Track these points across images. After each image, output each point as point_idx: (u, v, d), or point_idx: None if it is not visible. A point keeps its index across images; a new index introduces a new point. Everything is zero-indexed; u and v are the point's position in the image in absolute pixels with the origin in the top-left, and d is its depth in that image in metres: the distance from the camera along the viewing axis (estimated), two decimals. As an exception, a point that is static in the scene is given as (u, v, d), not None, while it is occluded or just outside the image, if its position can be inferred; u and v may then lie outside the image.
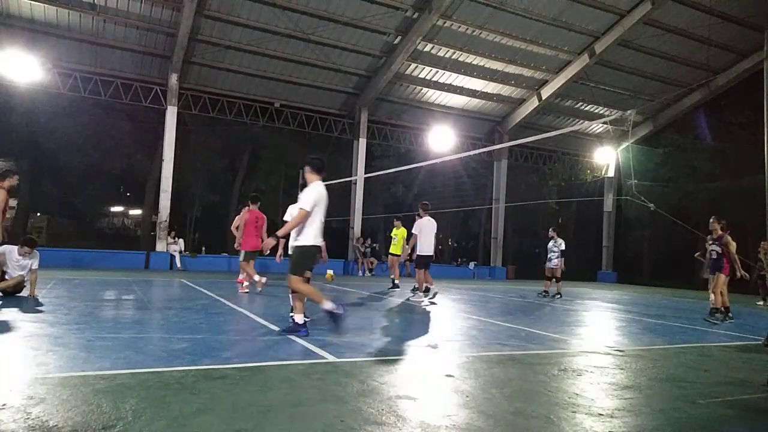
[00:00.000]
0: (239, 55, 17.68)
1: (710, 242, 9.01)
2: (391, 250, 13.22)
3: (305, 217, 5.38)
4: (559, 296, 12.57)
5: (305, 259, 5.50)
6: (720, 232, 8.91)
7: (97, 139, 23.98)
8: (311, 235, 5.45)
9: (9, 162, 25.51)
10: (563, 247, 12.73)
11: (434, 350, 5.27)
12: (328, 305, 5.31)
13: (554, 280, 12.71)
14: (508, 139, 21.64)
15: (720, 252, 8.84)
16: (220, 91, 18.90)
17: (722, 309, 8.93)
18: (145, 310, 7.22)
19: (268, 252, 8.01)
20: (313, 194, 5.44)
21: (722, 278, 8.88)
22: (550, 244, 12.90)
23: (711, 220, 9.13)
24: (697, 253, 14.71)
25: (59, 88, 16.81)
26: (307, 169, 5.75)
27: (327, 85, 19.61)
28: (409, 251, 10.81)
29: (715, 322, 8.68)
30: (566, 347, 5.92)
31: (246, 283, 10.02)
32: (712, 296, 9.22)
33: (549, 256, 12.83)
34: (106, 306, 7.56)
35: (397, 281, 12.53)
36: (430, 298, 10.03)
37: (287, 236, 5.79)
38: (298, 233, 5.45)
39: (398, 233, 13.04)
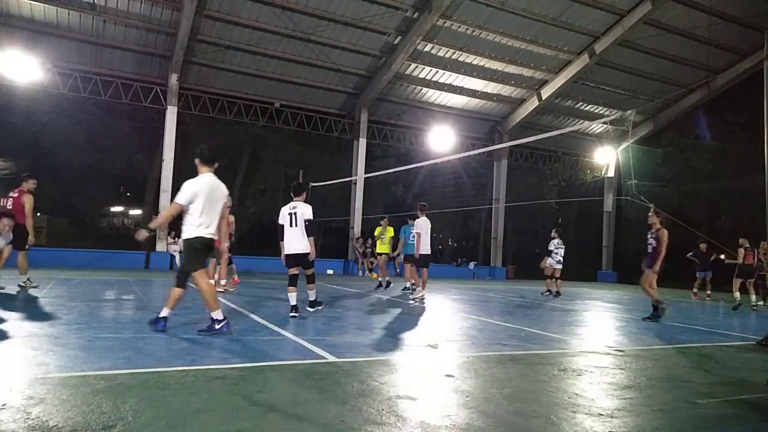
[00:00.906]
0: (239, 55, 17.68)
1: (649, 236, 8.85)
2: (380, 250, 13.16)
3: (176, 209, 5.30)
4: (547, 294, 12.96)
5: (192, 253, 5.38)
6: (658, 226, 8.60)
7: (97, 139, 23.99)
8: (193, 227, 5.31)
9: (9, 162, 25.52)
10: (551, 247, 13.06)
11: (434, 350, 5.27)
12: (217, 315, 5.27)
13: (550, 278, 13.23)
14: (508, 139, 21.65)
15: (655, 246, 8.53)
16: (220, 91, 18.90)
17: (655, 304, 8.62)
18: (145, 310, 7.22)
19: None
20: (191, 187, 5.32)
21: (653, 275, 8.52)
22: None
23: (650, 213, 8.81)
24: (689, 253, 14.94)
25: (59, 88, 16.80)
26: (196, 161, 5.60)
27: (327, 85, 19.61)
28: (419, 250, 10.60)
29: (656, 319, 8.47)
30: (566, 347, 5.91)
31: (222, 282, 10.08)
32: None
33: None
34: (106, 306, 7.56)
35: (387, 278, 12.60)
36: (413, 295, 10.13)
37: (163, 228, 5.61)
38: (184, 227, 5.40)
39: (387, 233, 13.08)
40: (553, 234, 13.28)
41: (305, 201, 7.10)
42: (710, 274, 14.85)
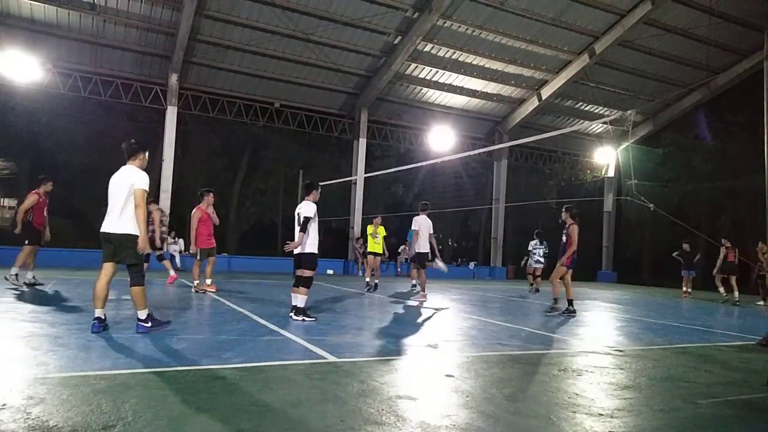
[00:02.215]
0: (239, 55, 17.68)
1: (563, 232, 9.01)
2: (374, 249, 12.65)
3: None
4: (531, 291, 13.89)
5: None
6: (570, 221, 8.79)
7: (97, 139, 23.97)
8: None
9: (9, 162, 25.51)
10: (529, 248, 14.32)
11: (434, 350, 5.27)
12: (97, 312, 5.26)
13: (533, 277, 14.17)
14: (508, 139, 21.66)
15: (565, 242, 8.75)
16: (220, 91, 18.90)
17: (568, 300, 8.78)
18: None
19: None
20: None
21: (561, 269, 8.76)
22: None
23: (563, 209, 9.09)
24: (675, 253, 15.54)
25: (59, 88, 16.81)
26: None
27: (327, 85, 19.61)
28: (415, 248, 10.55)
29: (552, 315, 8.62)
30: (566, 347, 5.91)
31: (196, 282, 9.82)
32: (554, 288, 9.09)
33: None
34: (106, 306, 7.54)
35: (376, 281, 12.30)
36: (415, 297, 10.00)
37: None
38: None
39: (380, 231, 12.88)
40: (534, 236, 14.29)
41: (316, 200, 6.95)
42: (693, 273, 15.58)
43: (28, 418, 2.69)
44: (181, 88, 17.82)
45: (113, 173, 5.40)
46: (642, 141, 24.67)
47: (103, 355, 4.23)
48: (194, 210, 9.85)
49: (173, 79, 17.35)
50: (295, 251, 6.75)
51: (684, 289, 15.59)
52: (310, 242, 6.72)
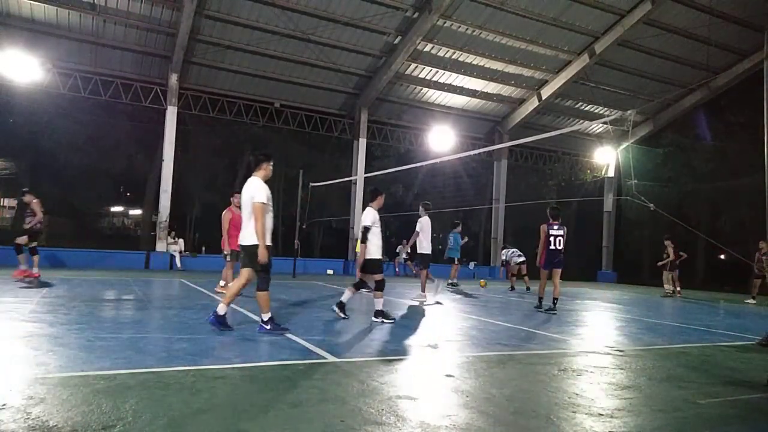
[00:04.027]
0: (239, 55, 17.67)
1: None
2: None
3: None
4: (510, 290, 14.57)
5: None
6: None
7: (97, 139, 23.99)
8: None
9: (9, 162, 25.51)
10: (504, 257, 15.57)
11: (434, 350, 5.27)
12: (264, 316, 5.60)
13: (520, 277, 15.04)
14: (508, 139, 21.64)
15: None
16: (220, 91, 18.89)
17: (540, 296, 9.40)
18: (145, 310, 7.23)
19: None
20: None
21: (541, 272, 9.35)
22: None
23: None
24: (670, 242, 16.03)
25: (59, 88, 16.80)
26: None
27: (327, 85, 19.60)
28: (408, 250, 10.81)
29: (540, 311, 9.09)
30: (566, 347, 5.92)
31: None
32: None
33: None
34: (106, 306, 7.56)
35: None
36: (421, 300, 9.93)
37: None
38: None
39: None
40: (504, 246, 15.49)
41: (380, 206, 7.18)
42: (677, 272, 16.06)
43: (28, 418, 2.69)
44: (181, 88, 17.81)
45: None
46: (642, 141, 24.66)
47: (103, 355, 4.23)
48: (225, 211, 9.75)
49: (173, 79, 17.35)
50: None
51: (665, 287, 15.81)
52: (370, 248, 6.92)
